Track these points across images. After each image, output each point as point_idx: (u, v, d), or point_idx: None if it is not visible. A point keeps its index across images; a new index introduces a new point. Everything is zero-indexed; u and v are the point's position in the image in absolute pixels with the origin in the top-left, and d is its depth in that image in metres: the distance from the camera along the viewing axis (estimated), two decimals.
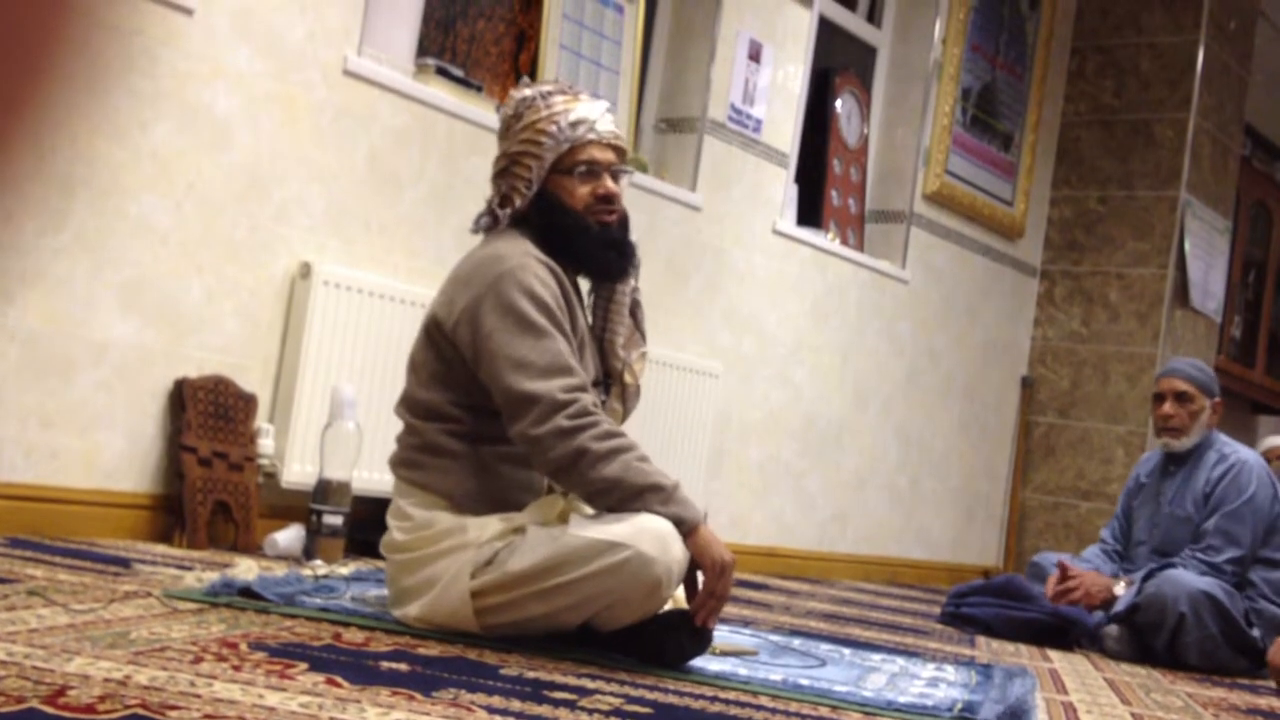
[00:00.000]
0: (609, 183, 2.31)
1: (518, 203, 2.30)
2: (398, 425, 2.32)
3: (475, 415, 2.23)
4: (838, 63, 5.47)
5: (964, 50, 5.76)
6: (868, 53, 5.69)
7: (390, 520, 2.28)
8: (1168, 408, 3.86)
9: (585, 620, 2.13)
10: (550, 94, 2.31)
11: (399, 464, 2.29)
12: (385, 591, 2.51)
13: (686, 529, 2.10)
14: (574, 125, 2.28)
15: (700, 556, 2.11)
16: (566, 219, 2.29)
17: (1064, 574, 3.83)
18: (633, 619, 2.10)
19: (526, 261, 2.21)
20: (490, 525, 2.18)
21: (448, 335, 2.22)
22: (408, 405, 2.30)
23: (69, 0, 0.50)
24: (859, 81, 5.59)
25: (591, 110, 2.31)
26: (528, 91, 2.33)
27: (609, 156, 2.32)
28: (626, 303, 2.41)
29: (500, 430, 2.21)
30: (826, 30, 5.30)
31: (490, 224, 2.35)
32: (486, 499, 2.22)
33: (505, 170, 2.33)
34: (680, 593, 2.25)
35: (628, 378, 2.41)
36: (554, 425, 2.08)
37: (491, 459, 2.24)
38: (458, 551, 2.16)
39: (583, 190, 2.29)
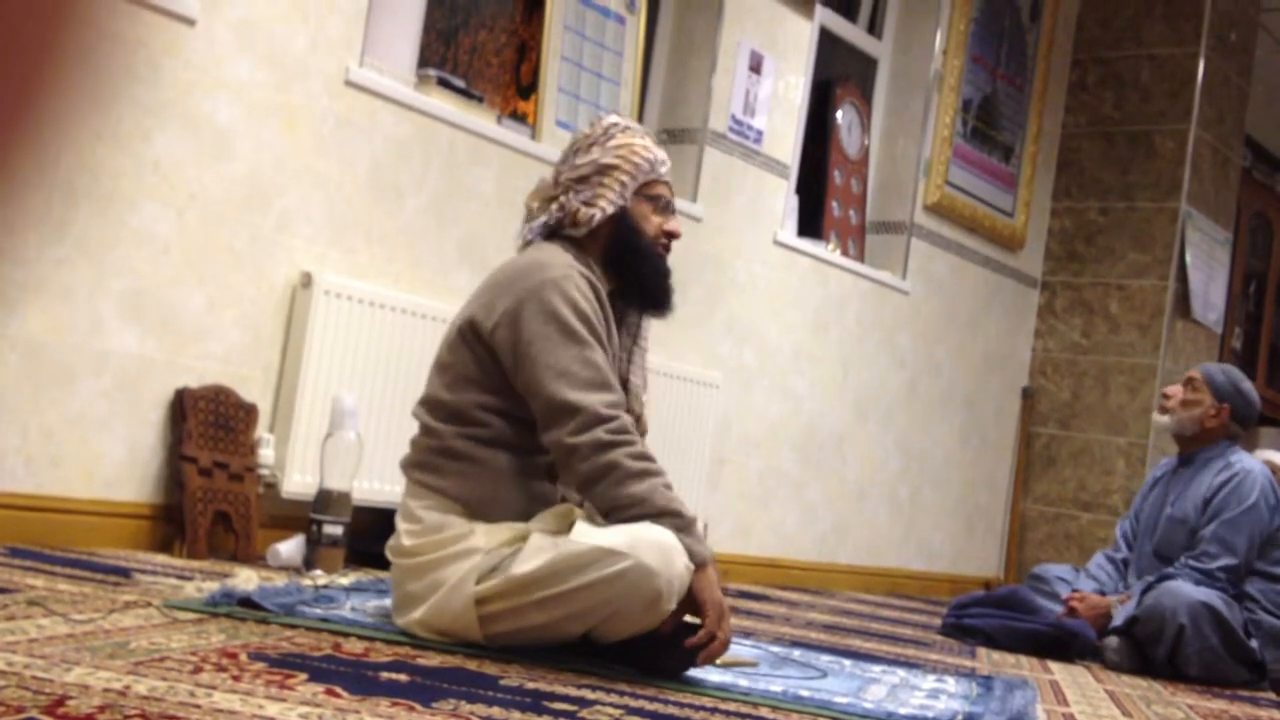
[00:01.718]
0: (675, 223, 2.43)
1: (606, 210, 2.34)
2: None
3: (503, 419, 2.24)
4: (838, 74, 5.48)
5: (964, 61, 5.77)
6: (868, 64, 5.70)
7: (400, 522, 2.27)
8: (1172, 387, 3.96)
9: (586, 631, 2.12)
10: (631, 128, 2.42)
11: (413, 466, 2.29)
12: (385, 602, 2.51)
13: (696, 564, 2.12)
14: (659, 161, 2.41)
15: (701, 594, 2.13)
16: (642, 241, 2.37)
17: (1069, 605, 3.84)
18: (633, 631, 2.10)
19: (570, 273, 2.24)
20: (498, 533, 2.18)
21: (485, 338, 2.24)
22: (429, 407, 2.30)
23: (70, 10, 0.50)
24: (859, 93, 5.59)
25: (665, 155, 2.47)
26: (617, 119, 2.43)
27: (670, 199, 2.45)
28: (646, 350, 2.48)
29: (523, 439, 2.24)
30: (827, 41, 5.31)
31: (553, 230, 2.37)
32: (501, 507, 2.22)
33: (588, 178, 2.36)
34: None
35: (645, 420, 2.45)
36: (593, 436, 2.11)
37: (510, 467, 2.24)
38: (465, 557, 2.16)
39: (656, 221, 2.40)
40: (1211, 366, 3.99)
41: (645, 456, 2.14)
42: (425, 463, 2.27)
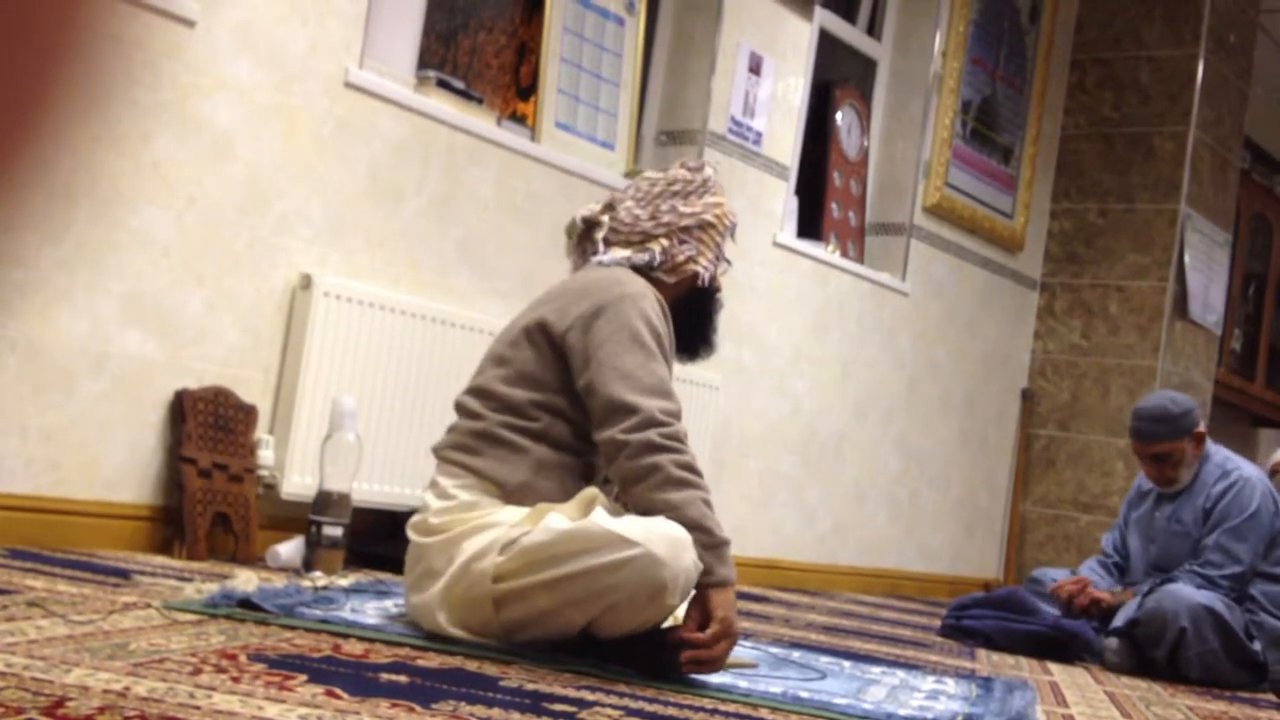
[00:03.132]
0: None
1: (706, 271, 2.47)
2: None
3: (554, 417, 2.29)
4: (838, 75, 5.48)
5: (964, 63, 5.77)
6: (868, 65, 5.70)
7: (430, 499, 2.29)
8: (1150, 469, 3.84)
9: (590, 620, 2.12)
10: (719, 184, 2.56)
11: (452, 447, 2.32)
12: (385, 603, 2.51)
13: (715, 581, 2.14)
14: (736, 225, 2.59)
15: (716, 609, 2.14)
16: (718, 305, 2.52)
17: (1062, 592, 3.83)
18: (635, 625, 2.10)
19: (648, 294, 2.34)
20: (521, 512, 2.21)
21: (555, 339, 2.29)
22: (480, 394, 2.34)
23: (76, 15, 0.50)
24: (859, 94, 5.60)
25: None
26: (712, 171, 2.55)
27: None
28: None
29: (569, 437, 2.28)
30: (827, 43, 5.31)
31: (638, 266, 2.42)
32: (535, 495, 2.25)
33: (691, 230, 2.47)
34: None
35: None
36: (645, 437, 2.16)
37: (548, 460, 2.28)
38: (488, 530, 2.19)
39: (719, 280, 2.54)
40: (1147, 427, 3.74)
41: (691, 468, 2.18)
42: (464, 444, 2.30)
